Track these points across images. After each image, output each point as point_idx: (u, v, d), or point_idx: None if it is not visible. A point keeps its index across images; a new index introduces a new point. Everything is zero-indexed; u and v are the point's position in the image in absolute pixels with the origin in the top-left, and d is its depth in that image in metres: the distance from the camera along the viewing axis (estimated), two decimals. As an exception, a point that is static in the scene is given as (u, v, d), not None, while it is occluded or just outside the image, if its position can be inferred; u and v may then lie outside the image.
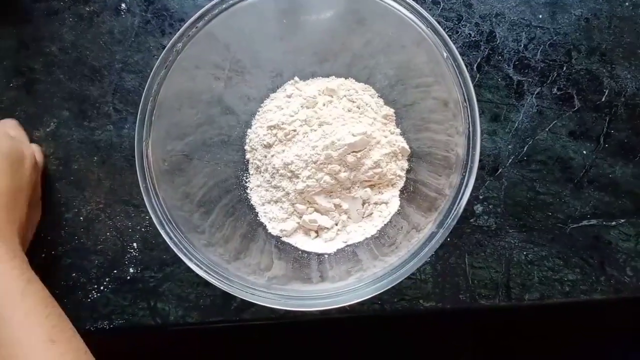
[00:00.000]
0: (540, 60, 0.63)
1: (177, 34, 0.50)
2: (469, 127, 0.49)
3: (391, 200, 0.59)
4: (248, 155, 0.61)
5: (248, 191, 0.61)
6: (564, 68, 0.63)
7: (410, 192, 0.59)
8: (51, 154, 0.62)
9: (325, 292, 0.49)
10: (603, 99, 0.63)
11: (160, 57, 0.50)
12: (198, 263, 0.49)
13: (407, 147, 0.59)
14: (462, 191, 0.48)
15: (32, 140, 0.62)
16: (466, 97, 0.49)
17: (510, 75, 0.63)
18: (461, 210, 0.48)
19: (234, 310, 0.61)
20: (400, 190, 0.59)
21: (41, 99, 0.63)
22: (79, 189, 0.62)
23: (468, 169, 0.48)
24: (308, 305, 0.48)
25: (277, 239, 0.59)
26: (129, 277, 0.61)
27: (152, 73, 0.50)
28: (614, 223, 0.62)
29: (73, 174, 0.62)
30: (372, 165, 0.57)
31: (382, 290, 0.47)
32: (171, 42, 0.50)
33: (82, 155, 0.63)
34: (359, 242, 0.58)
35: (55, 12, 0.64)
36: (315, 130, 0.57)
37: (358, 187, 0.58)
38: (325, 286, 0.51)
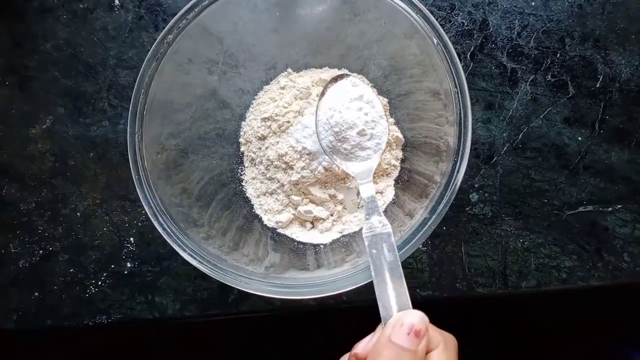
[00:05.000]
0: (534, 47, 0.63)
1: (168, 25, 0.50)
2: (460, 113, 0.48)
3: (386, 189, 0.59)
4: (243, 148, 0.61)
5: (243, 184, 0.61)
6: (558, 55, 0.63)
7: (405, 182, 0.59)
8: (47, 150, 0.63)
9: (320, 279, 0.49)
10: (597, 85, 0.63)
11: (151, 50, 0.50)
12: (192, 254, 0.49)
13: (401, 136, 0.59)
14: (454, 177, 0.48)
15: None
16: (457, 82, 0.49)
17: (504, 63, 0.63)
18: (454, 195, 0.48)
19: (232, 303, 0.61)
20: (395, 180, 0.59)
21: (36, 96, 0.63)
22: (75, 185, 0.62)
23: (460, 155, 0.48)
24: (303, 293, 0.48)
25: (273, 230, 0.59)
26: (126, 272, 0.61)
27: (143, 65, 0.50)
28: (610, 209, 0.62)
29: (69, 170, 0.63)
30: (366, 155, 0.57)
31: (376, 278, 0.47)
32: (162, 34, 0.50)
33: (78, 152, 0.63)
34: (355, 232, 0.58)
35: (49, 9, 0.64)
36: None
37: (353, 177, 0.58)
38: (321, 273, 0.52)
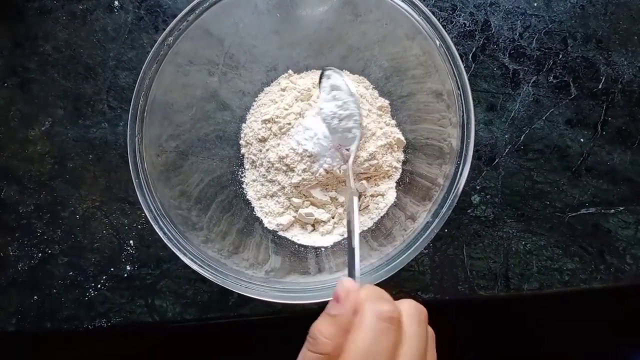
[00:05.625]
0: (536, 48, 0.63)
1: (168, 28, 0.50)
2: (463, 115, 0.48)
3: (387, 192, 0.58)
4: (243, 150, 0.61)
5: (244, 186, 0.61)
6: (560, 56, 0.63)
7: (406, 184, 0.58)
8: (46, 152, 0.62)
9: (321, 283, 0.49)
10: (600, 86, 0.62)
11: (151, 52, 0.50)
12: (192, 257, 0.49)
13: (402, 138, 0.59)
14: (457, 180, 0.48)
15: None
16: (460, 85, 0.49)
17: (506, 64, 0.63)
18: (456, 199, 0.47)
19: (232, 306, 0.60)
20: (396, 182, 0.59)
21: (36, 97, 0.63)
22: (74, 187, 0.62)
23: (463, 158, 0.48)
24: (304, 298, 0.48)
25: (274, 233, 0.59)
26: (126, 275, 0.61)
27: (143, 68, 0.50)
28: (612, 211, 0.61)
29: (68, 172, 0.62)
30: (368, 157, 0.56)
31: (378, 281, 0.47)
32: (162, 36, 0.50)
33: (77, 154, 0.62)
34: (356, 235, 0.58)
35: (49, 10, 0.64)
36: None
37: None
38: (322, 277, 0.51)
